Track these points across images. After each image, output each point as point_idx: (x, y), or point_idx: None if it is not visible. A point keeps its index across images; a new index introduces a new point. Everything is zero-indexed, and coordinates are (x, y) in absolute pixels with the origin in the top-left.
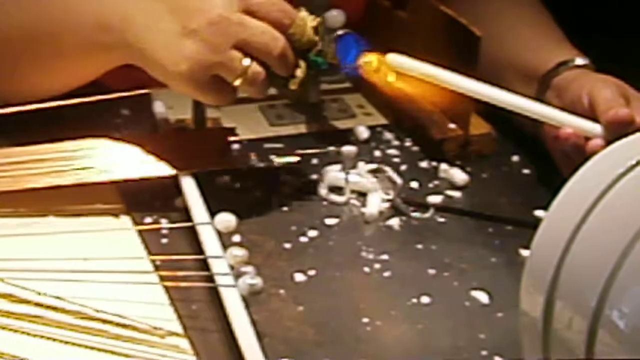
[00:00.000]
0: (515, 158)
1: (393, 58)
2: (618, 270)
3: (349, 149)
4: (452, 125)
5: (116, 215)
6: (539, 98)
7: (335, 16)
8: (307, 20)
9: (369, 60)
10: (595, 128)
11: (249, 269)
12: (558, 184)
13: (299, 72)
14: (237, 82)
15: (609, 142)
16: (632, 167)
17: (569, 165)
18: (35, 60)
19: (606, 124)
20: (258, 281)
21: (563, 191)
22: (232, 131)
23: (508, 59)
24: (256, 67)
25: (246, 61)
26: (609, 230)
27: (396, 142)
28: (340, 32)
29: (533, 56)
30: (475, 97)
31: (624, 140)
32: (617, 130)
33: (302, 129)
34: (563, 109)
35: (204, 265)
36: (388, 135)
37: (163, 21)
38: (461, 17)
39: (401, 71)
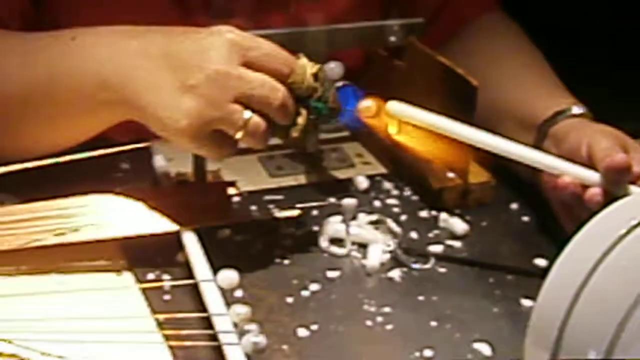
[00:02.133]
0: (514, 206)
1: (393, 105)
2: (622, 330)
3: (349, 202)
4: (451, 175)
5: (118, 271)
6: (538, 147)
7: (333, 68)
8: (306, 67)
9: (368, 108)
10: (593, 176)
11: (253, 326)
12: (557, 232)
13: (301, 120)
14: (239, 135)
15: (606, 191)
16: (634, 227)
17: (568, 214)
18: (36, 118)
19: (604, 172)
20: (262, 339)
21: (566, 249)
22: (232, 184)
23: (506, 106)
24: (257, 119)
25: (246, 114)
26: (612, 289)
27: (395, 192)
28: (339, 84)
29: (530, 104)
30: (474, 145)
31: (625, 200)
32: (614, 178)
33: (302, 179)
34: (561, 157)
35: (208, 322)
36: (387, 185)
37: (162, 78)
38: (459, 64)
39: (400, 118)
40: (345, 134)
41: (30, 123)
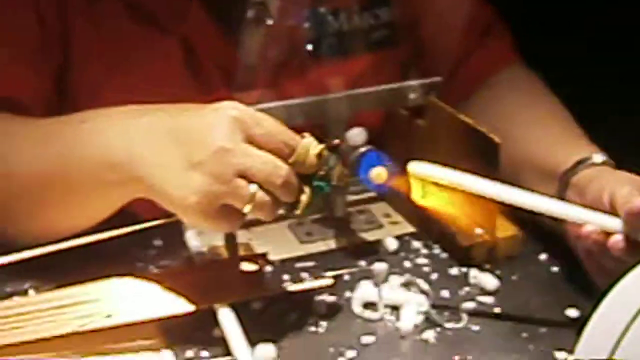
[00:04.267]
0: (542, 257)
1: (414, 167)
2: None
3: (379, 266)
4: (478, 231)
5: (157, 349)
6: (560, 196)
7: (357, 134)
8: (309, 147)
9: (379, 175)
10: (615, 223)
11: None
12: (587, 281)
13: (304, 198)
14: (246, 209)
15: (629, 237)
16: None
17: (593, 262)
18: (51, 201)
19: (624, 217)
20: None
21: (603, 304)
22: (263, 256)
23: (528, 158)
24: (262, 194)
25: (252, 187)
26: None
27: (425, 251)
28: (362, 150)
29: (551, 155)
30: (497, 201)
31: None
32: (636, 223)
33: (332, 244)
34: (584, 206)
35: None
36: (416, 244)
37: (169, 155)
38: (480, 120)
39: (423, 179)
40: (372, 194)
41: (45, 206)
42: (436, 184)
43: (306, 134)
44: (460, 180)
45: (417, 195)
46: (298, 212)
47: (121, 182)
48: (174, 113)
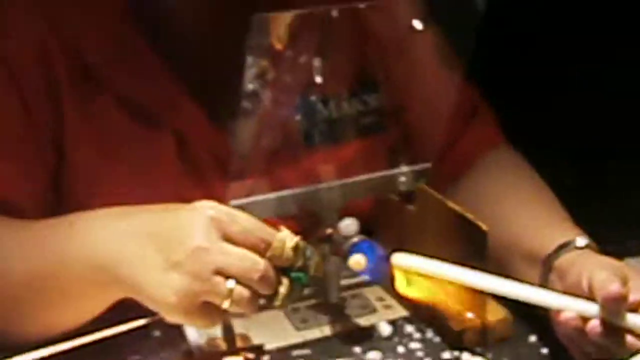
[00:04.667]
0: (532, 339)
1: (397, 259)
2: None
3: (374, 356)
4: (469, 315)
5: None
6: (544, 279)
7: (349, 225)
8: (285, 240)
9: (358, 262)
10: (592, 308)
11: None
12: None
13: (283, 289)
14: (226, 305)
15: (606, 322)
16: None
17: (575, 347)
18: (43, 304)
19: (601, 303)
20: None
21: None
22: (259, 348)
23: (512, 242)
24: (240, 289)
25: (230, 283)
26: None
27: (418, 335)
28: (355, 239)
29: (535, 239)
30: (480, 290)
31: None
32: (612, 308)
33: (326, 330)
34: (565, 291)
35: None
36: (409, 328)
37: (149, 257)
38: (467, 199)
39: (408, 271)
40: (365, 278)
41: (38, 308)
42: (421, 275)
43: (282, 227)
44: (443, 271)
45: (402, 286)
46: (277, 303)
47: (106, 283)
48: (154, 215)
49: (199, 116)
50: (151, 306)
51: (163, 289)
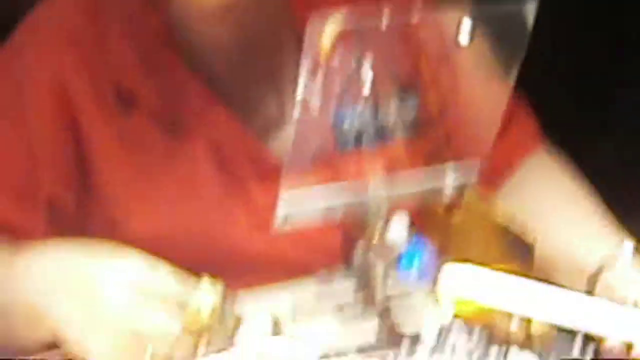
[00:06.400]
0: None
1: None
2: None
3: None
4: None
5: None
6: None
7: (399, 229)
8: (200, 306)
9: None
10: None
11: None
12: None
13: (201, 350)
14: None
15: None
16: None
17: None
18: None
19: None
20: None
21: None
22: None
23: (555, 258)
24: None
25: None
26: None
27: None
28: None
29: (578, 254)
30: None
31: None
32: None
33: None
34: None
35: None
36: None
37: (73, 315)
38: (514, 211)
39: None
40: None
41: None
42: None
43: (205, 278)
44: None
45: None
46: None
47: (32, 326)
48: (82, 265)
49: (234, 126)
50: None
51: (84, 347)
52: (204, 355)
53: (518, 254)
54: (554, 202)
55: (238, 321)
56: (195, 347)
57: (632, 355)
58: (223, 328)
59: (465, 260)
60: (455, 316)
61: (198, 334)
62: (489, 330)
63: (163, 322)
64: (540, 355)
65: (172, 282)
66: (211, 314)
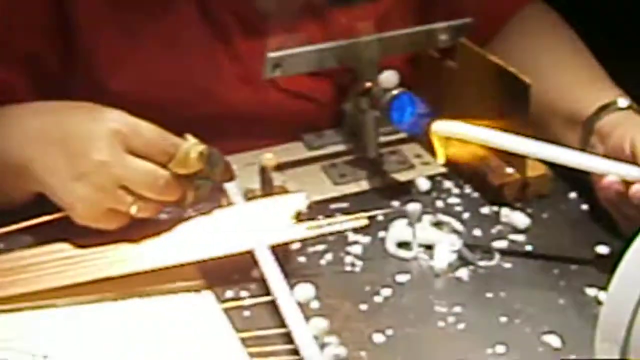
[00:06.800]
0: (572, 195)
1: (438, 126)
2: None
3: (413, 207)
4: (509, 170)
5: (198, 290)
6: (584, 142)
7: (389, 76)
8: (189, 151)
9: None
10: (635, 172)
11: (332, 339)
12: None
13: (190, 197)
14: (133, 210)
15: None
16: None
17: (617, 211)
18: None
19: None
20: (342, 350)
21: (633, 247)
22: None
23: (551, 104)
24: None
25: (133, 208)
26: None
27: (456, 190)
28: (395, 92)
29: (574, 101)
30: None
31: None
32: None
33: (364, 185)
34: (606, 155)
35: (288, 336)
36: (448, 184)
37: (57, 165)
38: (503, 59)
39: (448, 137)
40: (403, 135)
41: None
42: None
43: (188, 136)
44: (482, 137)
45: (442, 155)
46: (185, 208)
47: (21, 181)
48: (64, 119)
49: None
50: (60, 207)
51: (68, 196)
52: (193, 203)
53: (513, 98)
54: (548, 49)
55: (228, 166)
56: (184, 193)
57: (630, 190)
58: (212, 172)
59: (459, 112)
60: (446, 163)
61: (187, 178)
62: (481, 177)
63: (149, 171)
64: (531, 215)
65: (157, 131)
66: (199, 157)
